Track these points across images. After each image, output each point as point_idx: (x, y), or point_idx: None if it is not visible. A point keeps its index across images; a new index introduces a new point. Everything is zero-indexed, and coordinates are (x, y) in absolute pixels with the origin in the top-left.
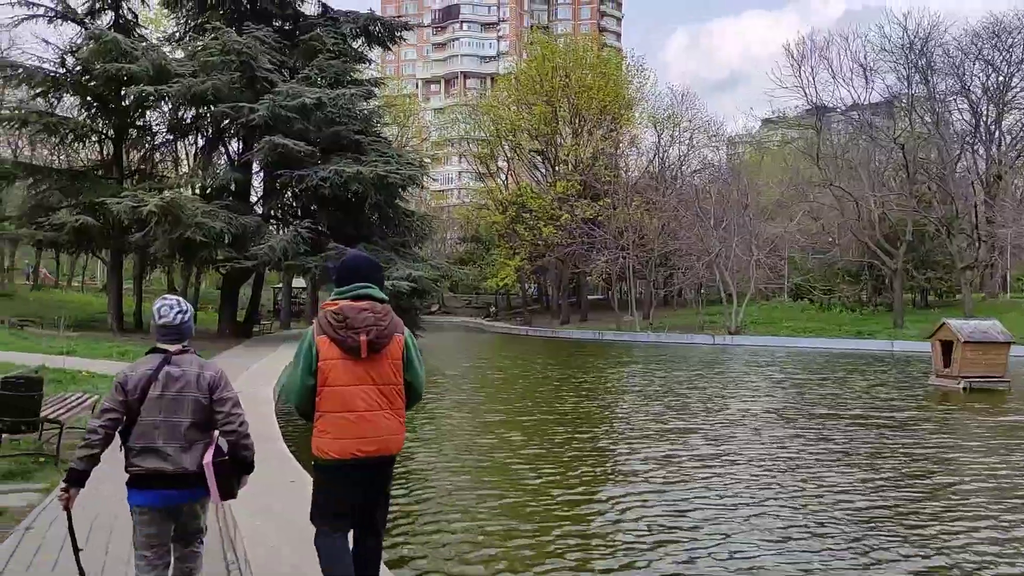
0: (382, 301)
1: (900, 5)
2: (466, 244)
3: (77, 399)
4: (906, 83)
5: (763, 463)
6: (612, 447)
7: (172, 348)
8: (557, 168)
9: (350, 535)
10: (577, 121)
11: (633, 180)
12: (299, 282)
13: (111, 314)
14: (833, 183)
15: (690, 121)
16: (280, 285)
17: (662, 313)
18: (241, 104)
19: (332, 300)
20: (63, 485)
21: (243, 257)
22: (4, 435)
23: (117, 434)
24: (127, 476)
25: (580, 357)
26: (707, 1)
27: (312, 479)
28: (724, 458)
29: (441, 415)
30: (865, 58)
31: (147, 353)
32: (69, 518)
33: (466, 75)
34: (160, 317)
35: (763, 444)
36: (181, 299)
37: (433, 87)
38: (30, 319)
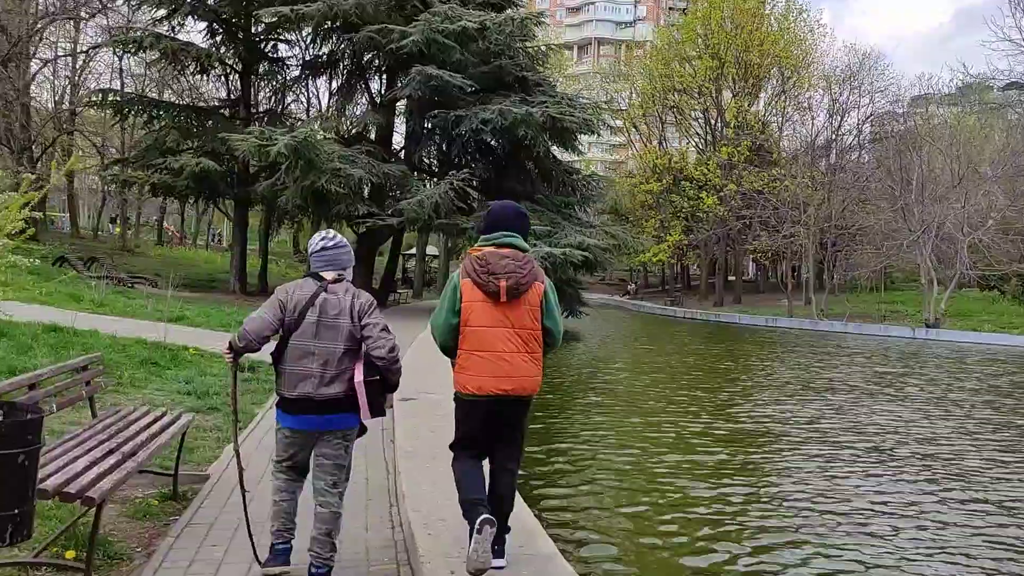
0: (524, 250)
1: None
2: (601, 216)
3: (149, 423)
4: None
5: None
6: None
7: (329, 276)
8: (719, 132)
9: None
10: (747, 79)
11: (806, 147)
12: (431, 249)
13: (233, 274)
14: None
15: (871, 84)
16: (410, 251)
17: (829, 300)
18: (391, 27)
19: (478, 246)
20: (227, 351)
21: (387, 214)
22: None
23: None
24: (277, 397)
25: (768, 347)
26: None
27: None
28: None
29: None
30: None
31: (304, 277)
32: (235, 378)
33: (600, 41)
34: (317, 242)
35: None
36: (339, 235)
37: (566, 53)
38: (144, 276)
